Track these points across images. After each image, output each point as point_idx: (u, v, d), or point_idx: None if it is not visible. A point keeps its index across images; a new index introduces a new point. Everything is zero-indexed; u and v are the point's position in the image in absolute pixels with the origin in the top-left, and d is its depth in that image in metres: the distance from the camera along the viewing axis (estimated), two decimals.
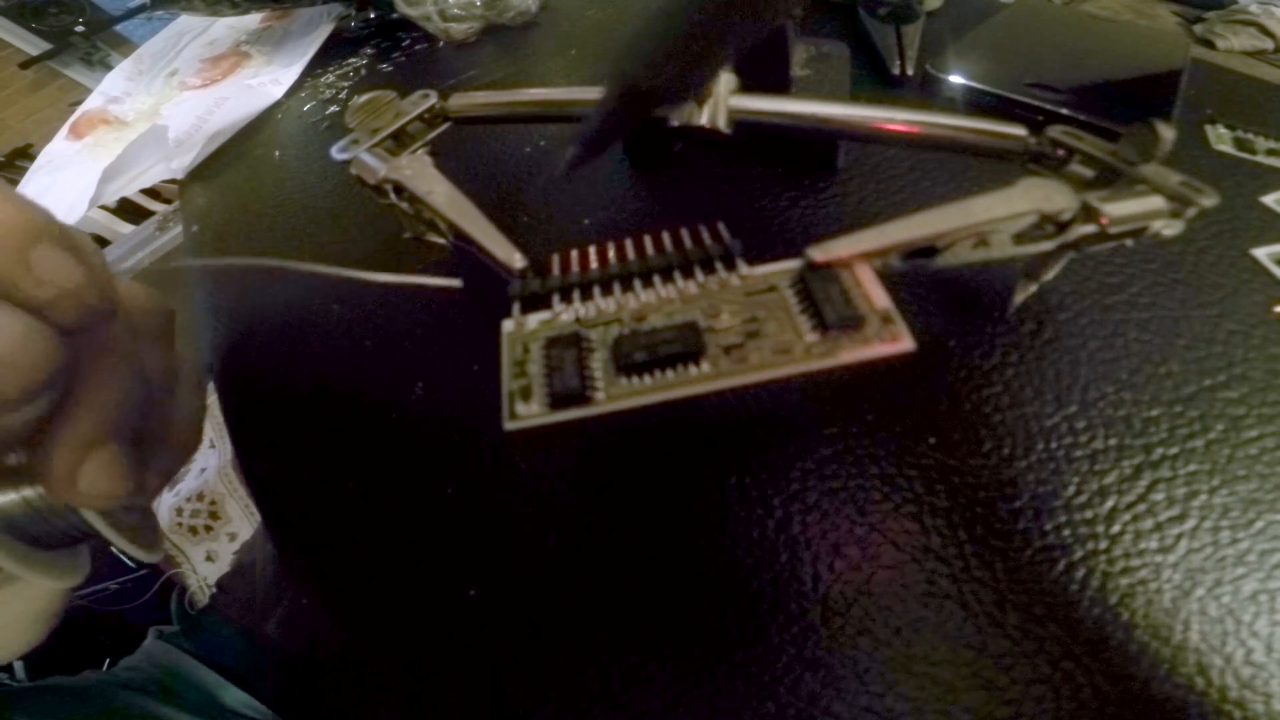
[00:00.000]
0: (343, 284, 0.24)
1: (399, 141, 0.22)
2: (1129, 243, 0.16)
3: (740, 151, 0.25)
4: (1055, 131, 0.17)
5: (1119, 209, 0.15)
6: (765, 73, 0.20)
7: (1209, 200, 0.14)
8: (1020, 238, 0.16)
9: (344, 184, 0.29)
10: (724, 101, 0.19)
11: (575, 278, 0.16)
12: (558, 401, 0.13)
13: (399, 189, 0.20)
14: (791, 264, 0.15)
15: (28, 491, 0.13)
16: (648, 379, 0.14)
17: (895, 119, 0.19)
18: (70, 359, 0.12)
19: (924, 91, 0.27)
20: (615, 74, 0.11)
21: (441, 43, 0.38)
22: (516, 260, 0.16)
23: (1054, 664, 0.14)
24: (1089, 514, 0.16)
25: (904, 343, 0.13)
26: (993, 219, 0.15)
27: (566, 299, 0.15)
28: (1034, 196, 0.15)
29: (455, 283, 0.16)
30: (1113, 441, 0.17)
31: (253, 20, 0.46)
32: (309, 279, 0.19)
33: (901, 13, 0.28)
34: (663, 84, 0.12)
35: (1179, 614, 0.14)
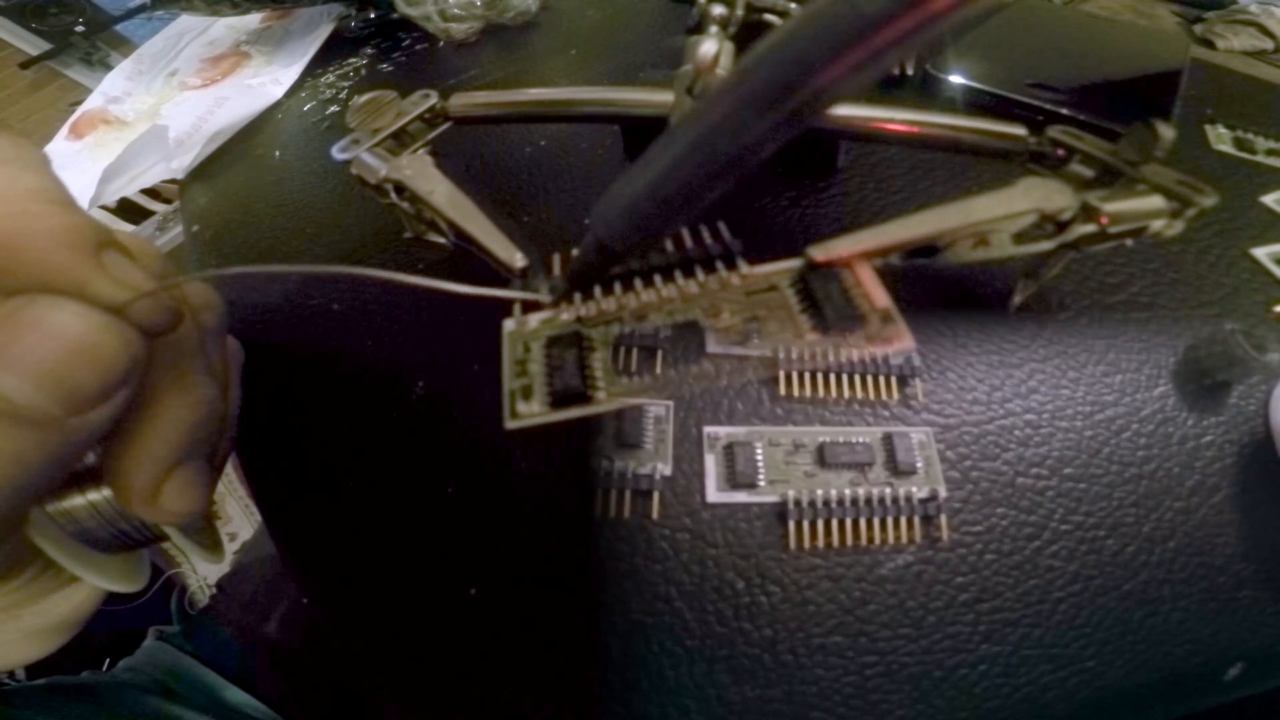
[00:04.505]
0: (342, 283, 0.24)
1: (399, 141, 0.22)
2: (1129, 242, 0.16)
3: None
4: (1055, 131, 0.17)
5: (1119, 208, 0.15)
6: None
7: (1209, 200, 0.14)
8: (1020, 237, 0.16)
9: (344, 184, 0.29)
10: None
11: None
12: (559, 400, 0.13)
13: (400, 189, 0.20)
14: (792, 263, 0.15)
15: (93, 495, 0.13)
16: (648, 378, 0.14)
17: (895, 119, 0.19)
18: (147, 363, 0.11)
19: (924, 91, 0.27)
20: (592, 235, 0.13)
21: (441, 43, 0.38)
22: (518, 260, 0.16)
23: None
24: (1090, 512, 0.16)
25: (904, 342, 0.13)
26: (993, 219, 0.15)
27: (567, 298, 0.15)
28: (1034, 196, 0.15)
29: (545, 297, 0.15)
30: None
31: (253, 20, 0.46)
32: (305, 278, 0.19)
33: None
34: (633, 248, 0.13)
35: (1180, 612, 0.14)
